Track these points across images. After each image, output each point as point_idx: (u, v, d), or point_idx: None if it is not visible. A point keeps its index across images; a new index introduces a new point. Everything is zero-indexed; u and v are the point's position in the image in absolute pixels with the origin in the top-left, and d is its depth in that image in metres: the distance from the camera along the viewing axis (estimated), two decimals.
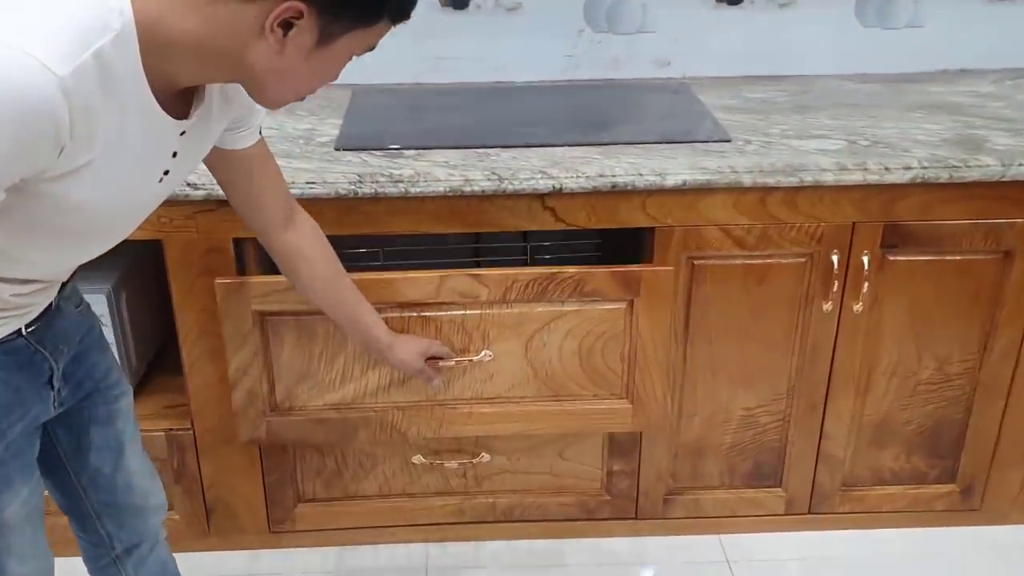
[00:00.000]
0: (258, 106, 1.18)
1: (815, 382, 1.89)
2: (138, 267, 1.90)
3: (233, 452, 1.89)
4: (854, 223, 1.75)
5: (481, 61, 2.17)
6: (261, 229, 1.41)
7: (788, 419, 1.93)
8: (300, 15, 0.94)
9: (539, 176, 1.67)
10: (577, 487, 1.99)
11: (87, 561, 1.48)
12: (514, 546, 2.02)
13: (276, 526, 1.97)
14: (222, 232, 1.69)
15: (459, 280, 1.64)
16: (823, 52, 2.20)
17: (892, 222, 1.75)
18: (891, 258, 1.78)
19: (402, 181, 1.66)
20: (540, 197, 1.69)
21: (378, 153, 1.75)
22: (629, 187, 1.67)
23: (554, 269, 1.65)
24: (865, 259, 1.76)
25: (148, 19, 0.93)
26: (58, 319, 1.24)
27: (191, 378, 1.82)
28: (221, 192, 1.46)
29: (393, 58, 2.09)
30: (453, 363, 1.66)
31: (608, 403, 1.76)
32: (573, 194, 1.69)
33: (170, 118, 1.02)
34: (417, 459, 1.92)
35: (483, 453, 1.93)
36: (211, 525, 1.96)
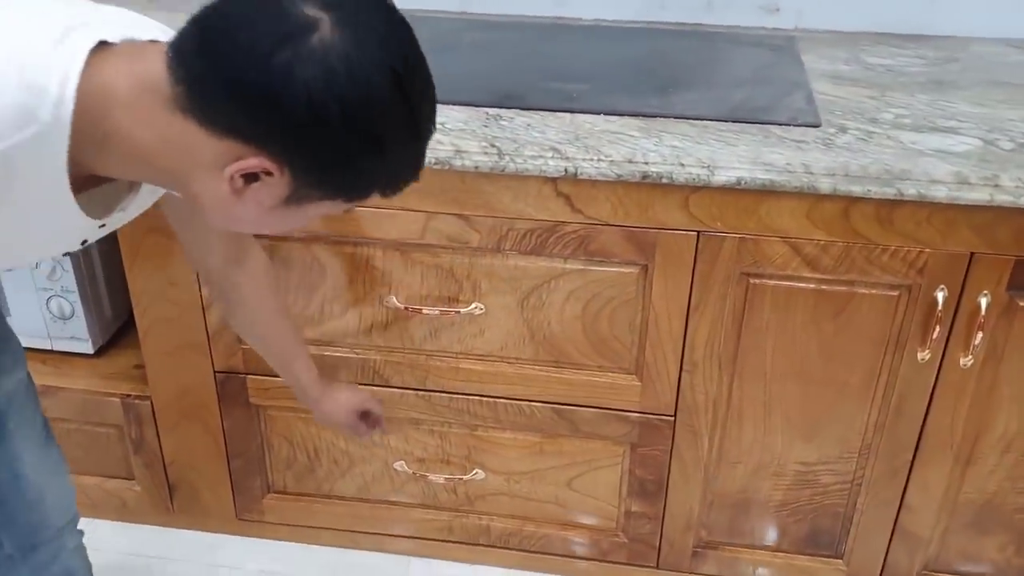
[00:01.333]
0: None
1: (899, 444, 1.47)
2: None
3: (194, 429, 1.65)
4: (972, 254, 1.29)
5: None
6: (203, 266, 1.23)
7: (859, 482, 1.52)
8: (270, 174, 0.77)
9: (549, 154, 1.30)
10: (587, 523, 1.65)
11: None
12: (508, 575, 1.71)
13: (244, 514, 1.74)
14: None
15: (447, 221, 1.38)
16: (983, 7, 1.68)
17: None
18: (1022, 303, 1.32)
19: None
20: (552, 181, 1.32)
21: None
22: (665, 179, 1.28)
23: (555, 219, 1.34)
24: (983, 301, 1.31)
25: (91, 111, 0.77)
26: None
27: (146, 345, 1.58)
28: None
29: None
30: (381, 431, 1.45)
31: (614, 377, 1.48)
32: (594, 182, 1.31)
33: (88, 219, 0.85)
34: (399, 465, 1.63)
35: (476, 469, 1.61)
36: (174, 502, 1.75)
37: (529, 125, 1.36)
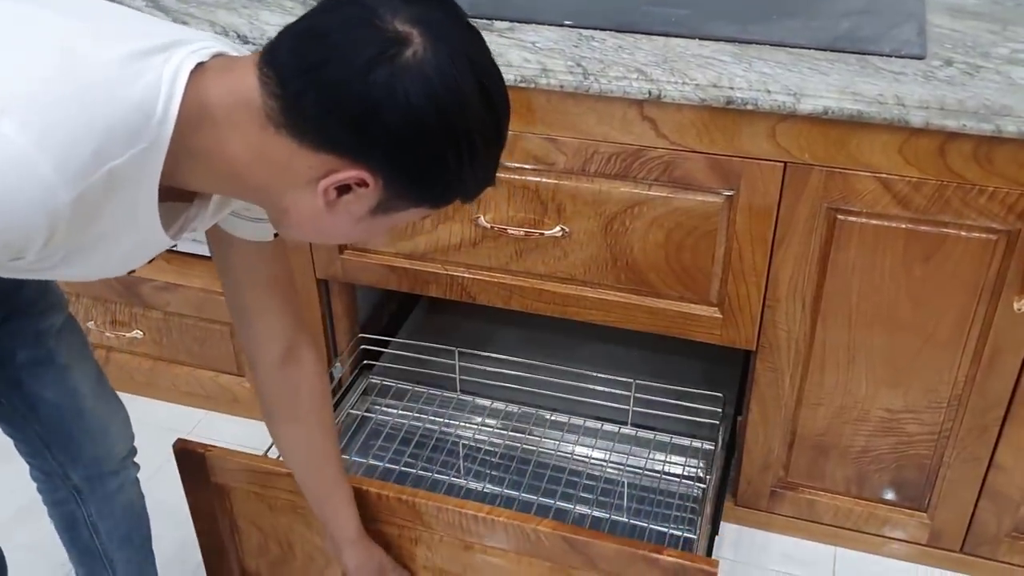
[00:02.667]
0: None
1: (991, 398, 1.40)
2: None
3: None
4: None
5: None
6: (249, 352, 1.12)
7: (946, 435, 1.46)
8: (364, 184, 0.78)
9: (635, 76, 1.29)
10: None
11: (42, 493, 1.31)
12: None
13: None
14: None
15: (534, 142, 1.39)
16: None
17: None
18: None
19: None
20: (638, 104, 1.32)
21: None
22: (750, 105, 1.25)
23: (643, 143, 1.33)
24: None
25: (187, 128, 0.77)
26: None
27: None
28: None
29: None
30: None
31: (695, 308, 1.48)
32: (679, 106, 1.30)
33: (165, 236, 0.85)
34: None
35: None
36: None
37: (620, 47, 1.36)
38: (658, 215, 1.41)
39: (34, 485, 1.31)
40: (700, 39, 1.37)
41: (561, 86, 1.31)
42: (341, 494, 1.22)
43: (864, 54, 1.31)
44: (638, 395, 1.65)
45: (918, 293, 1.35)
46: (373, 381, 1.82)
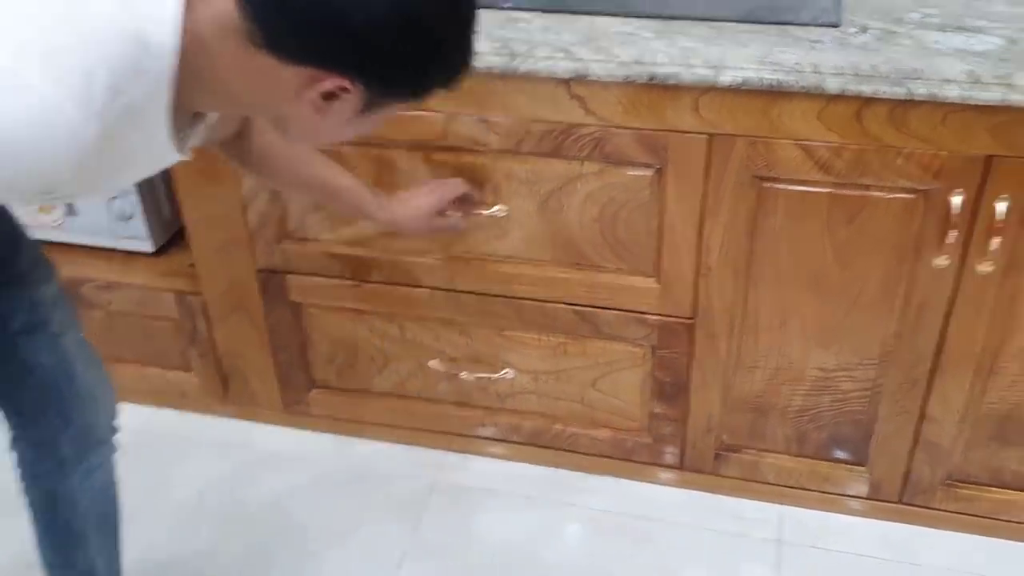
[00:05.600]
0: None
1: (918, 353, 1.46)
2: None
3: (243, 323, 1.75)
4: (989, 156, 1.26)
5: None
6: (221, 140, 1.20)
7: (879, 390, 1.52)
8: (346, 90, 0.83)
9: (560, 55, 1.31)
10: (613, 422, 1.70)
11: (24, 469, 1.32)
12: (536, 471, 1.78)
13: (291, 407, 1.85)
14: None
15: (467, 123, 1.42)
16: None
17: None
18: None
19: None
20: (565, 83, 1.34)
21: None
22: (672, 81, 1.28)
23: (572, 120, 1.37)
24: (1001, 206, 1.29)
25: (186, 56, 0.83)
26: None
27: (194, 241, 1.68)
28: None
29: None
30: (466, 218, 1.50)
31: (633, 279, 1.52)
32: (605, 84, 1.32)
33: (178, 154, 0.94)
34: (434, 364, 1.70)
35: (506, 369, 1.67)
36: (228, 392, 1.87)
37: (546, 28, 1.38)
38: (592, 190, 1.44)
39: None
40: (624, 16, 1.39)
41: (489, 68, 1.33)
42: (351, 182, 1.38)
43: (782, 24, 1.34)
44: None
45: (844, 255, 1.39)
46: None
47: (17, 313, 1.19)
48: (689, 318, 1.52)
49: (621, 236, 1.47)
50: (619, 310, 1.54)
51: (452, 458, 1.82)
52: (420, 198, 1.44)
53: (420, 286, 1.61)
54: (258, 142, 1.25)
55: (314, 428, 1.87)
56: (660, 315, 1.53)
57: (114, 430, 1.35)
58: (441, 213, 1.46)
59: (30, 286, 1.20)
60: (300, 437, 1.87)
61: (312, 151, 1.34)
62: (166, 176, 1.76)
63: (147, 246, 1.82)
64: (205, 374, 1.86)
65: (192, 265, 1.74)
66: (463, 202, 1.48)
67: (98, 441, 1.32)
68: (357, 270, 1.62)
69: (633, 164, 1.40)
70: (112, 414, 1.34)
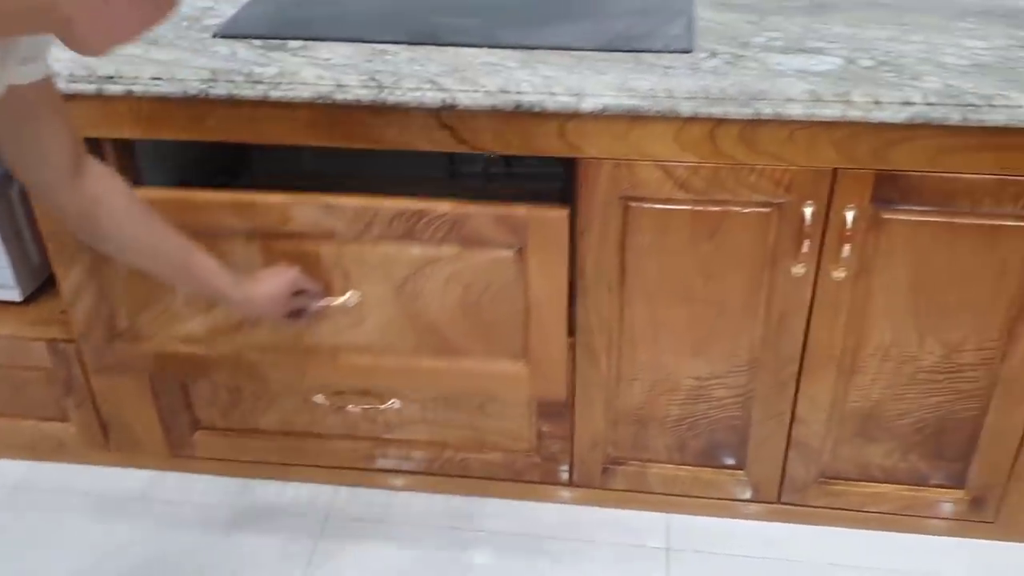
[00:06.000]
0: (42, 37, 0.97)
1: (784, 357, 1.53)
2: None
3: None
4: (835, 169, 1.35)
5: None
6: (42, 182, 1.15)
7: (750, 395, 1.59)
8: None
9: (427, 87, 1.34)
10: (502, 444, 1.73)
11: None
12: (430, 500, 1.79)
13: (176, 451, 1.81)
14: None
15: (308, 209, 1.37)
16: None
17: (888, 171, 1.34)
18: (886, 216, 1.38)
19: (261, 82, 1.37)
20: (435, 113, 1.37)
21: (258, 43, 1.46)
22: (537, 108, 1.33)
23: (423, 204, 1.35)
24: (849, 215, 1.37)
25: None
26: None
27: (65, 288, 1.64)
28: (61, 86, 1.33)
29: None
30: (325, 305, 1.42)
31: (502, 364, 1.48)
32: (474, 113, 1.36)
33: None
34: (318, 399, 1.70)
35: (393, 399, 1.68)
36: (109, 440, 1.82)
37: (413, 59, 1.41)
38: (452, 272, 1.41)
39: None
40: (489, 47, 1.43)
41: (358, 100, 1.35)
42: (200, 261, 1.28)
43: (638, 51, 1.41)
44: None
45: (708, 268, 1.46)
46: None
47: None
48: (570, 336, 1.56)
49: (485, 319, 1.44)
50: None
51: (344, 492, 1.81)
52: (277, 277, 1.37)
53: (268, 383, 1.60)
54: (94, 189, 1.17)
55: (201, 471, 1.84)
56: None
57: None
58: (296, 297, 1.39)
59: None
60: (187, 480, 1.84)
61: (158, 218, 1.24)
62: (33, 222, 1.71)
63: (15, 295, 1.77)
64: (83, 423, 1.80)
65: (64, 312, 1.70)
66: (312, 295, 1.42)
67: None
68: (198, 368, 1.55)
69: (493, 245, 1.38)
70: None
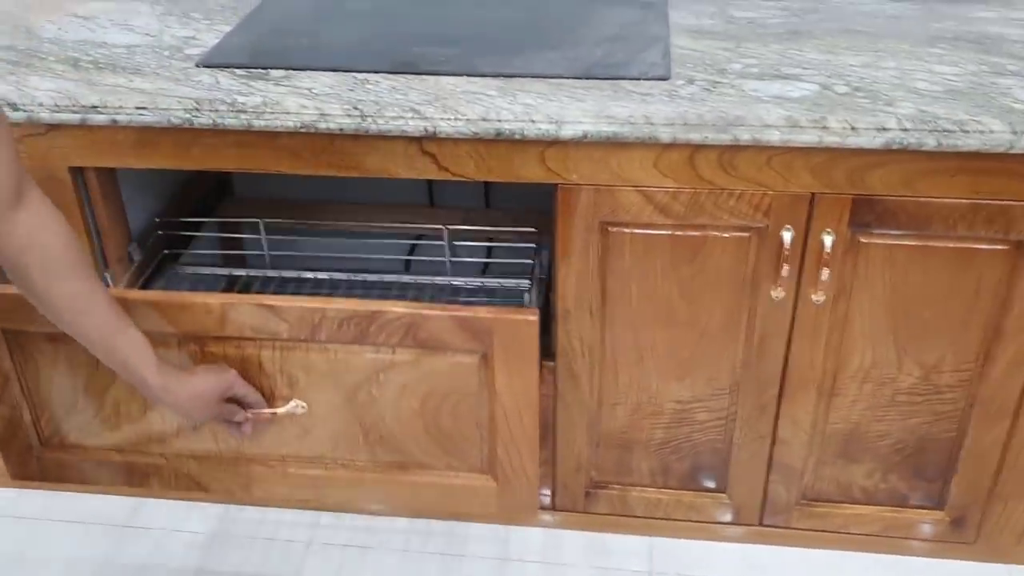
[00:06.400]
0: None
1: (764, 380, 1.55)
2: None
3: None
4: (813, 194, 1.37)
5: None
6: None
7: (732, 418, 1.60)
8: None
9: (410, 115, 1.36)
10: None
11: None
12: (412, 523, 1.79)
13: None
14: (55, 159, 1.47)
15: (247, 311, 1.28)
16: None
17: (865, 195, 1.36)
18: (863, 240, 1.40)
19: (245, 112, 1.38)
20: (417, 140, 1.39)
21: (240, 72, 1.47)
22: (517, 135, 1.34)
23: (374, 306, 1.27)
24: (827, 239, 1.39)
25: None
26: None
27: None
28: (44, 115, 1.34)
29: None
30: (268, 415, 1.33)
31: (466, 478, 1.41)
32: (455, 140, 1.37)
33: None
34: None
35: None
36: None
37: (394, 88, 1.42)
38: (408, 379, 1.33)
39: None
40: (468, 76, 1.45)
41: (341, 129, 1.36)
42: (130, 334, 1.18)
43: (616, 79, 1.42)
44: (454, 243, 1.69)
45: (689, 292, 1.47)
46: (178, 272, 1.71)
47: None
48: (551, 360, 1.57)
49: (447, 429, 1.38)
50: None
51: (326, 517, 1.80)
52: (210, 377, 1.27)
53: (210, 494, 1.55)
54: (30, 227, 1.08)
55: (181, 497, 1.83)
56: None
57: None
58: (230, 401, 1.30)
59: None
60: (165, 507, 1.83)
61: (94, 277, 1.16)
62: None
63: None
64: None
65: None
66: (249, 403, 1.33)
67: None
68: (131, 478, 1.48)
69: (454, 350, 1.31)
70: None
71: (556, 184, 1.40)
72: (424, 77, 1.45)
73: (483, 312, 1.27)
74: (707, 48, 1.53)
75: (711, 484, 1.69)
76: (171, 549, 1.75)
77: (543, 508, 1.75)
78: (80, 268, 1.13)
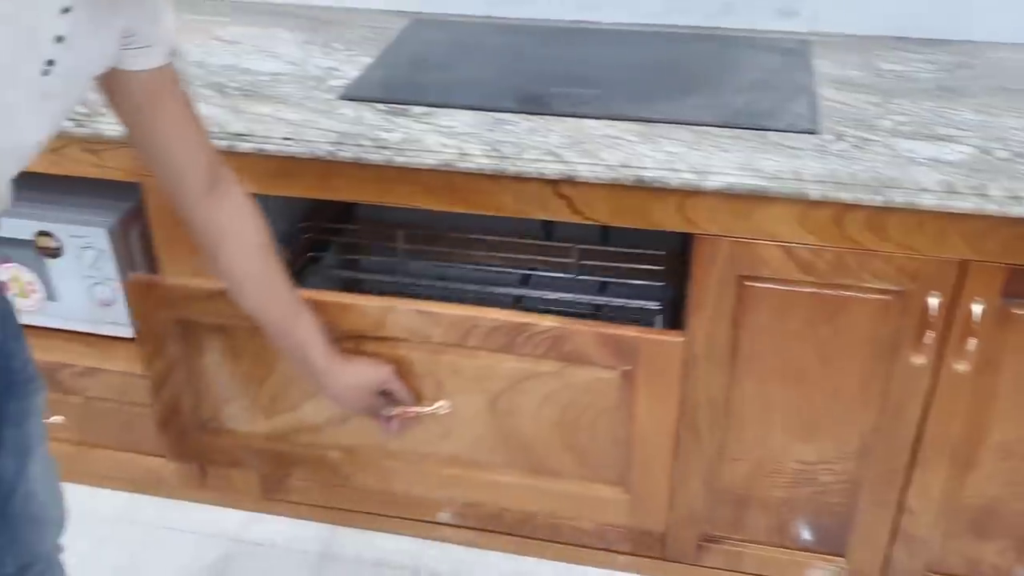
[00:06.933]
0: (158, 19, 1.05)
1: (896, 447, 1.49)
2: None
3: None
4: (964, 261, 1.31)
5: None
6: (175, 191, 1.18)
7: (858, 483, 1.54)
8: None
9: (549, 158, 1.35)
10: (596, 514, 1.70)
11: None
12: (519, 562, 1.77)
13: (270, 493, 1.83)
14: None
15: (406, 315, 1.35)
16: (1007, 10, 1.68)
17: (1021, 266, 1.29)
18: (1017, 311, 1.33)
19: (387, 147, 1.39)
20: (552, 183, 1.38)
21: (382, 107, 1.48)
22: (658, 184, 1.32)
23: (525, 318, 1.31)
24: (977, 308, 1.33)
25: None
26: None
27: (151, 372, 1.66)
28: None
29: None
30: (413, 414, 1.38)
31: (598, 489, 1.44)
32: (592, 184, 1.36)
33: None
34: None
35: None
36: (207, 479, 1.84)
37: (533, 129, 1.41)
38: (550, 390, 1.39)
39: None
40: (608, 119, 1.43)
41: (480, 169, 1.36)
42: (305, 319, 1.25)
43: (761, 129, 1.39)
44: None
45: (825, 352, 1.42)
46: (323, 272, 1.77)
47: (4, 426, 1.14)
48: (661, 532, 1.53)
49: (584, 441, 1.42)
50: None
51: (434, 549, 1.80)
52: (369, 370, 1.35)
53: (350, 486, 1.59)
54: (225, 216, 1.19)
55: (292, 515, 1.86)
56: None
57: (60, 548, 1.29)
58: (384, 395, 1.37)
59: (26, 395, 1.17)
60: (278, 523, 1.85)
61: (279, 264, 1.25)
62: (148, 261, 1.76)
63: (128, 332, 1.81)
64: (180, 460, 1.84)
65: None
66: (400, 400, 1.40)
67: (45, 558, 1.26)
68: (278, 466, 1.57)
69: (597, 365, 1.35)
70: (61, 529, 1.28)
71: (693, 234, 1.38)
72: (563, 118, 1.44)
73: (629, 331, 1.29)
74: (854, 101, 1.48)
75: (828, 547, 1.63)
76: (282, 567, 1.77)
77: (652, 557, 1.72)
78: (269, 251, 1.23)
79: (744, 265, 1.38)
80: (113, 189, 1.61)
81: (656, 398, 1.32)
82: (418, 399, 1.39)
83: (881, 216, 1.30)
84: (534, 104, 1.48)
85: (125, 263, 1.76)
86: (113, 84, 1.09)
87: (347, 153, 1.39)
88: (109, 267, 1.74)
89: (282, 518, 1.86)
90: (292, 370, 1.35)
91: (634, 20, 1.81)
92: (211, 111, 1.46)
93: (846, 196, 1.27)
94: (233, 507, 1.88)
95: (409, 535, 1.81)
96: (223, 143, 1.42)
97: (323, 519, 1.84)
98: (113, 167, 1.52)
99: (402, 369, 1.38)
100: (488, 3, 1.85)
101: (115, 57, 1.05)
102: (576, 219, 1.40)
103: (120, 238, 1.73)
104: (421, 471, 1.47)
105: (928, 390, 1.42)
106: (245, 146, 1.42)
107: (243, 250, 1.22)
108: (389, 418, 1.38)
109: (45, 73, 0.93)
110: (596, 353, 1.31)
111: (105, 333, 1.81)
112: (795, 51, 1.66)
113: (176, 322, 1.42)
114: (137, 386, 1.77)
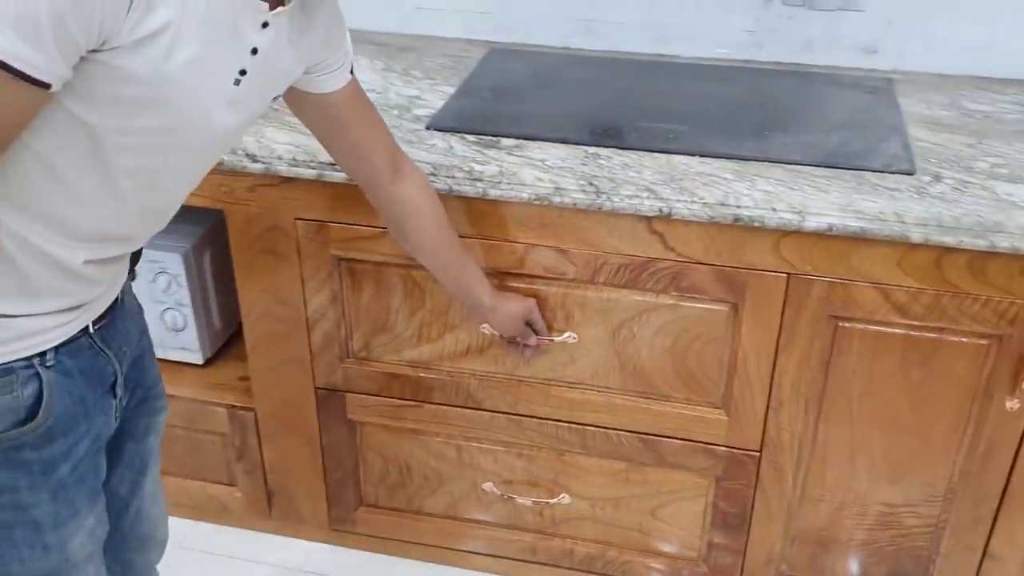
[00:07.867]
0: (343, 43, 1.14)
1: (984, 492, 1.47)
2: (220, 234, 1.75)
3: (294, 441, 1.73)
4: None
5: (644, 27, 1.82)
6: (365, 181, 1.29)
7: (942, 527, 1.52)
8: None
9: (645, 195, 1.34)
10: (669, 551, 1.68)
11: None
12: None
13: (337, 524, 1.82)
14: (284, 210, 1.50)
15: (545, 253, 1.45)
16: None
17: None
18: None
19: (481, 180, 1.39)
20: (647, 219, 1.37)
21: (471, 139, 1.48)
22: (756, 223, 1.31)
23: (649, 255, 1.40)
24: None
25: None
26: (121, 315, 1.10)
27: (253, 359, 1.67)
28: (282, 168, 1.43)
29: (540, 14, 1.82)
30: (546, 341, 1.51)
31: (701, 411, 1.53)
32: (687, 222, 1.35)
33: (259, 18, 0.94)
34: (488, 486, 1.69)
35: (563, 493, 1.66)
36: (272, 508, 1.84)
37: (626, 164, 1.41)
38: (665, 322, 1.45)
39: None
40: (700, 156, 1.43)
41: (575, 204, 1.36)
42: (472, 269, 1.41)
43: (857, 169, 1.38)
44: None
45: (916, 394, 1.41)
46: None
47: (129, 441, 1.17)
48: (756, 450, 1.52)
49: (692, 368, 1.48)
50: (685, 440, 1.55)
51: None
52: (520, 302, 1.47)
53: (482, 409, 1.61)
54: (408, 195, 1.30)
55: (358, 547, 1.84)
56: (727, 447, 1.53)
57: (156, 572, 1.33)
58: (527, 325, 1.49)
59: (153, 413, 1.20)
60: (343, 555, 1.84)
61: (451, 226, 1.36)
62: (219, 286, 1.76)
63: (197, 358, 1.81)
64: (250, 489, 1.83)
65: (245, 378, 1.74)
66: (537, 329, 1.50)
67: (143, 567, 1.30)
68: (418, 391, 1.62)
69: (710, 299, 1.42)
70: (163, 548, 1.32)
71: (788, 274, 1.37)
72: (655, 155, 1.44)
73: (742, 268, 1.39)
74: (947, 142, 1.47)
75: None
76: None
77: None
78: (444, 217, 1.35)
79: (837, 306, 1.37)
80: (183, 214, 1.60)
81: (759, 327, 1.41)
82: (550, 329, 1.51)
83: (982, 260, 1.28)
84: (622, 139, 1.48)
85: (197, 288, 1.76)
86: (307, 106, 1.18)
87: (440, 184, 1.39)
88: (182, 293, 1.74)
89: (347, 550, 1.85)
90: (438, 305, 1.53)
91: (712, 54, 1.81)
92: (301, 139, 1.46)
93: (949, 240, 1.26)
94: (297, 536, 1.87)
95: (473, 570, 1.80)
96: (312, 172, 1.43)
97: (387, 551, 1.83)
98: (195, 192, 1.52)
99: (538, 302, 1.49)
100: (565, 34, 1.85)
101: (298, 80, 1.11)
102: (668, 256, 1.39)
103: (193, 264, 1.73)
104: (547, 395, 1.57)
105: (1021, 435, 1.40)
106: (336, 175, 1.42)
107: (426, 221, 1.33)
108: (525, 346, 1.50)
109: (236, 83, 0.96)
110: (710, 288, 1.41)
111: (174, 359, 1.81)
112: (880, 89, 1.65)
113: (335, 259, 1.54)
114: (209, 413, 1.77)
